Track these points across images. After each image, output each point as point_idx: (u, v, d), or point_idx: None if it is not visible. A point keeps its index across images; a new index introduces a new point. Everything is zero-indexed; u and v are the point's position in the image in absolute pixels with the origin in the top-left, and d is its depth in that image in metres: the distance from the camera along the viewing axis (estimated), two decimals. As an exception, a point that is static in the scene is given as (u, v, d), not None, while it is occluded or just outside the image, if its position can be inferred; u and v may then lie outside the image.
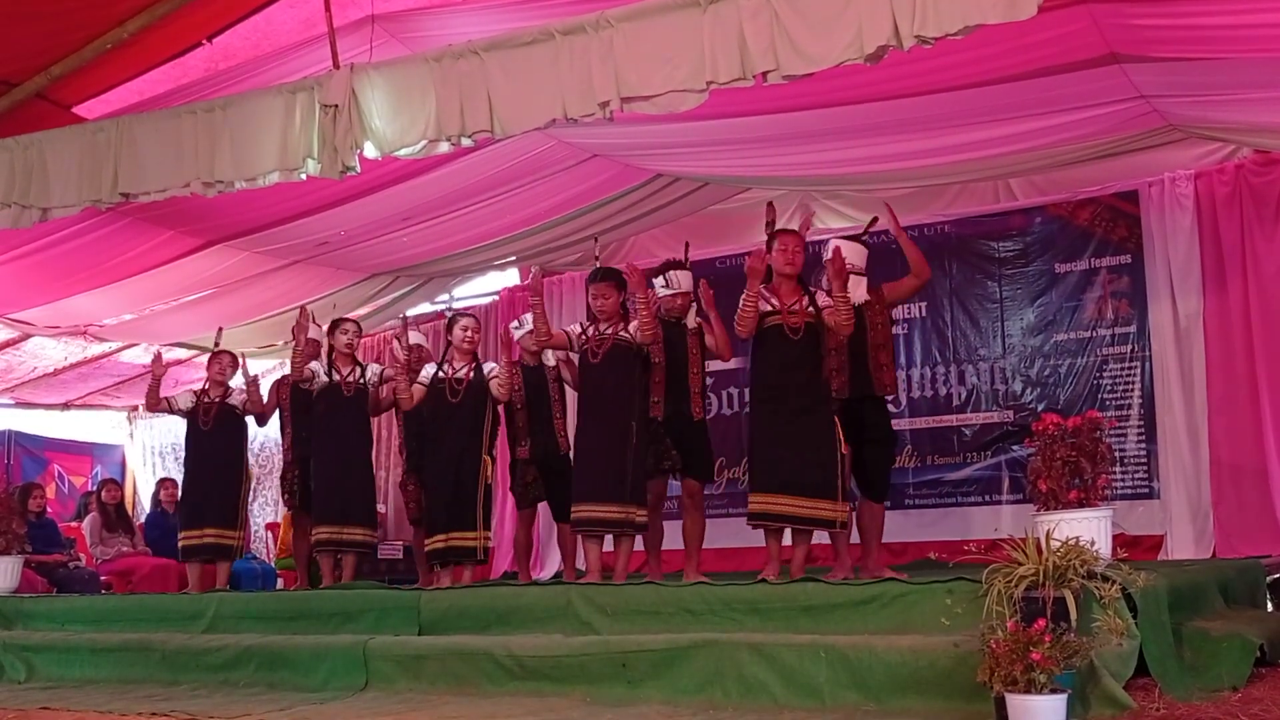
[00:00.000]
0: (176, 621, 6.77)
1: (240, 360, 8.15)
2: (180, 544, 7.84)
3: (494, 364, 6.95)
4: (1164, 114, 6.87)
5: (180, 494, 8.09)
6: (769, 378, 5.78)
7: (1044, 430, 4.69)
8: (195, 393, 7.97)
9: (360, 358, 7.86)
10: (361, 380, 7.46)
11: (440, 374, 6.88)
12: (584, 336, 6.24)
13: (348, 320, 7.76)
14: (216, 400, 7.86)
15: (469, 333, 6.99)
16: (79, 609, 7.37)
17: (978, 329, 8.64)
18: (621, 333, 6.13)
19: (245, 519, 8.23)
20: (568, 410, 7.16)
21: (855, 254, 6.12)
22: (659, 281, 6.35)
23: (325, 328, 7.68)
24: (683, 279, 6.39)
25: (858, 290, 6.04)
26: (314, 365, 7.45)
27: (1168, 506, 7.91)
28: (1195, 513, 7.81)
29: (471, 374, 6.87)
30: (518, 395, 7.03)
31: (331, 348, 7.50)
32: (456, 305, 11.30)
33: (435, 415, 6.89)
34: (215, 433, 7.85)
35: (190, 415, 7.88)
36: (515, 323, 7.36)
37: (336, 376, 7.39)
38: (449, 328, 7.08)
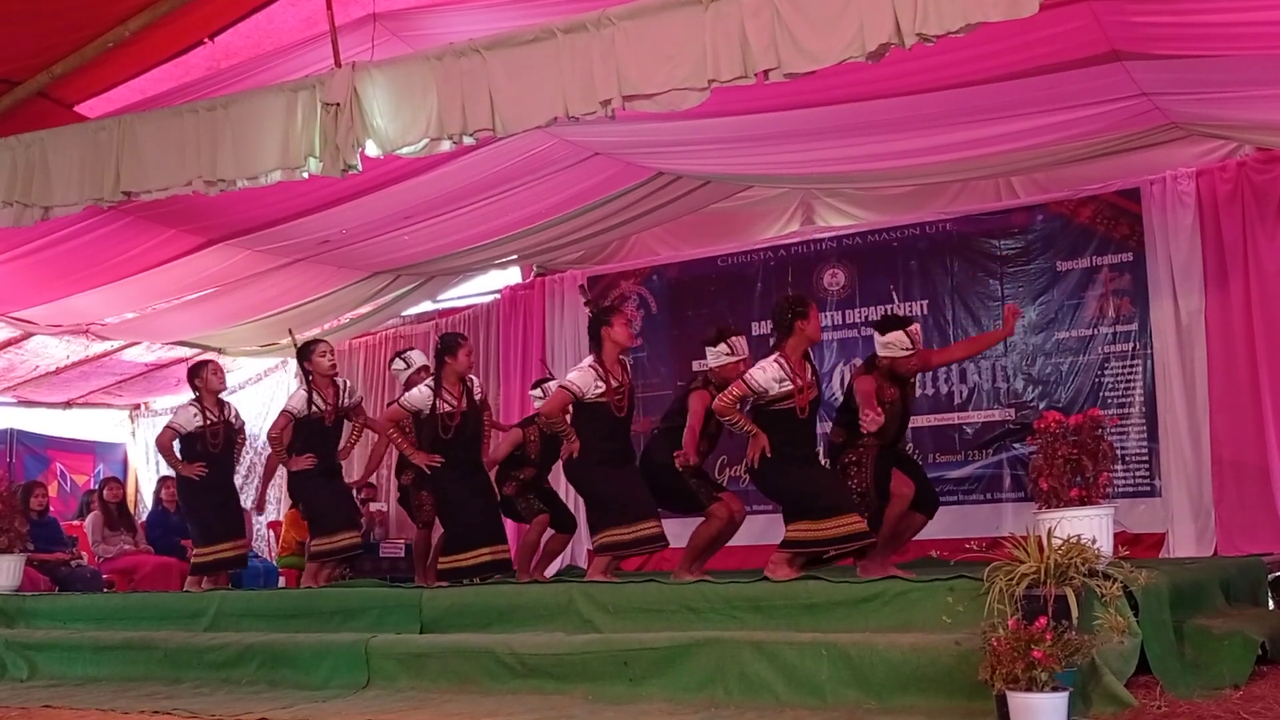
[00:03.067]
0: (178, 620, 6.78)
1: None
2: (213, 558, 7.66)
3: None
4: (1166, 111, 6.86)
5: (198, 510, 7.80)
6: (787, 447, 5.83)
7: (1045, 428, 4.69)
8: (198, 408, 7.69)
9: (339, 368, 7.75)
10: (345, 403, 7.37)
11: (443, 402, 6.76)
12: (611, 390, 6.29)
13: (320, 341, 7.56)
14: (221, 421, 7.74)
15: (471, 357, 7.11)
16: (81, 607, 7.38)
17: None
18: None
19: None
20: None
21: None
22: (722, 348, 6.38)
23: (297, 350, 7.54)
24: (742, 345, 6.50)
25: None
26: (297, 403, 7.27)
27: (1169, 504, 7.91)
28: (1197, 510, 7.82)
29: (466, 403, 6.84)
30: (532, 444, 7.35)
31: (309, 372, 7.30)
32: (457, 304, 11.34)
33: (443, 446, 6.78)
34: (224, 450, 7.80)
35: (203, 436, 7.64)
36: (538, 391, 7.64)
37: (322, 406, 7.20)
38: (451, 351, 6.82)
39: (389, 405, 7.35)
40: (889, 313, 6.64)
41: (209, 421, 7.67)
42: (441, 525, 7.06)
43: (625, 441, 6.44)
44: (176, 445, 7.65)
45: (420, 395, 6.80)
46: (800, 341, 5.91)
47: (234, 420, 7.89)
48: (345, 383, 7.51)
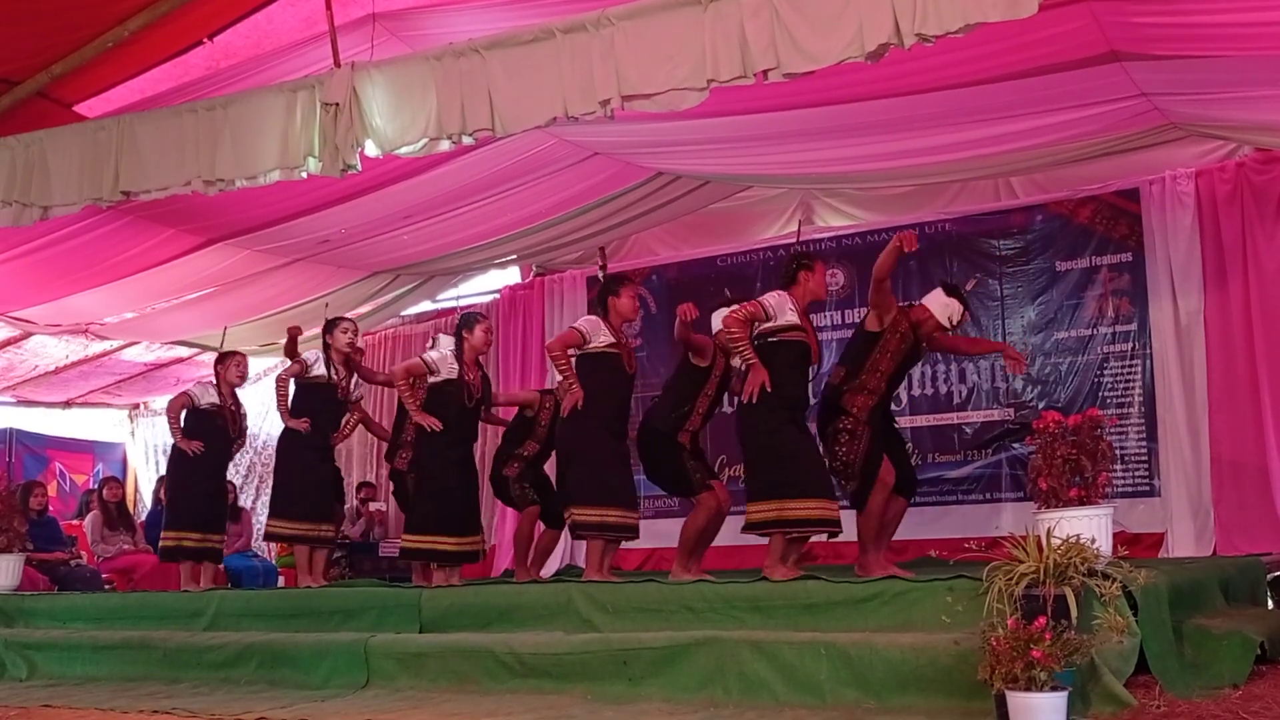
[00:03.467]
0: (178, 619, 6.78)
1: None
2: (175, 544, 7.72)
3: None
4: (1165, 112, 6.87)
5: (182, 489, 7.86)
6: (791, 389, 5.78)
7: (1045, 428, 4.70)
8: (215, 391, 7.81)
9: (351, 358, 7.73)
10: (353, 390, 7.47)
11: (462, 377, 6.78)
12: (616, 345, 6.26)
13: (345, 319, 7.67)
14: (234, 409, 7.85)
15: (490, 335, 7.08)
16: (80, 607, 7.38)
17: (978, 327, 8.62)
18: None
19: None
20: None
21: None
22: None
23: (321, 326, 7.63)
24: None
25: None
26: (313, 357, 7.41)
27: (1168, 504, 7.91)
28: (1196, 510, 7.82)
29: (481, 381, 6.91)
30: (545, 412, 7.34)
31: (328, 345, 7.38)
32: (457, 304, 11.33)
33: (455, 417, 6.79)
34: (228, 440, 7.86)
35: (211, 417, 7.73)
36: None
37: (336, 376, 7.32)
38: (469, 326, 6.89)
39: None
40: (958, 285, 6.65)
41: (224, 403, 7.75)
42: (416, 497, 6.94)
43: (626, 406, 6.36)
44: (184, 415, 7.70)
45: (442, 358, 6.78)
46: (803, 293, 5.91)
47: (241, 419, 7.94)
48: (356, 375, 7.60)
